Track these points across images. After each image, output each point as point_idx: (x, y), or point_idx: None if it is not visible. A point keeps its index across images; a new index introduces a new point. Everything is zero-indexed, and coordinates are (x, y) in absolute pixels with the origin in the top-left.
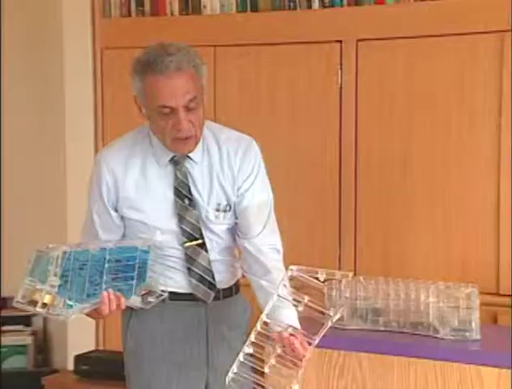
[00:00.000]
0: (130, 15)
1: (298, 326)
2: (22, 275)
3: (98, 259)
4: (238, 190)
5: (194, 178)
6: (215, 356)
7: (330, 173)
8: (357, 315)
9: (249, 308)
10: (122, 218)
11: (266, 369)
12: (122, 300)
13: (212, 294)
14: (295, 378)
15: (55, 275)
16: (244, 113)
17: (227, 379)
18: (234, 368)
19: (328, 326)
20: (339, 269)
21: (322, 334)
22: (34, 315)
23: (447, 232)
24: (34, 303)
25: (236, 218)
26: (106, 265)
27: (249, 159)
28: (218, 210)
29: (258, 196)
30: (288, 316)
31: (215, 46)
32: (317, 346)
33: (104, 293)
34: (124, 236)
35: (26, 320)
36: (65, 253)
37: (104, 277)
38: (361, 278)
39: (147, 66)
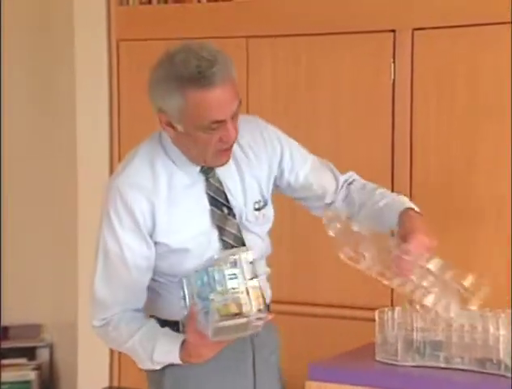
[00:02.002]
0: (150, 2)
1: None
2: (24, 305)
3: None
4: (282, 174)
5: (225, 181)
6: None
7: (382, 182)
8: (413, 349)
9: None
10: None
11: None
12: None
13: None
14: None
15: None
16: (280, 112)
17: None
18: None
19: None
20: (392, 296)
21: None
22: (37, 347)
23: None
24: (239, 315)
25: (300, 197)
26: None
27: (270, 141)
28: (256, 209)
29: (305, 161)
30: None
31: (247, 37)
32: (365, 384)
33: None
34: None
35: (29, 352)
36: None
37: None
38: (418, 305)
39: (189, 81)
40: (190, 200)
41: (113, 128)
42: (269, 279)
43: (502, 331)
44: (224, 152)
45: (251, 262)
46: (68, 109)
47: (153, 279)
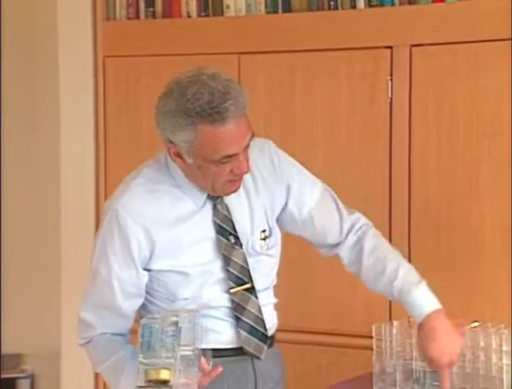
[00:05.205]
0: (138, 17)
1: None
2: (3, 334)
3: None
4: (286, 204)
5: (233, 208)
6: None
7: (379, 205)
8: (413, 379)
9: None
10: (150, 278)
11: None
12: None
13: (265, 347)
14: None
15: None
16: (274, 133)
17: None
18: None
19: None
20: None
21: None
22: (18, 378)
23: None
24: (163, 383)
25: (300, 234)
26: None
27: (279, 168)
28: (262, 238)
29: (313, 195)
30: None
31: (239, 54)
32: None
33: (204, 363)
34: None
35: (9, 384)
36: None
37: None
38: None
39: (201, 116)
40: (194, 227)
41: (98, 149)
42: (276, 308)
43: (505, 361)
44: (234, 182)
45: (193, 326)
46: (52, 128)
47: (152, 303)
